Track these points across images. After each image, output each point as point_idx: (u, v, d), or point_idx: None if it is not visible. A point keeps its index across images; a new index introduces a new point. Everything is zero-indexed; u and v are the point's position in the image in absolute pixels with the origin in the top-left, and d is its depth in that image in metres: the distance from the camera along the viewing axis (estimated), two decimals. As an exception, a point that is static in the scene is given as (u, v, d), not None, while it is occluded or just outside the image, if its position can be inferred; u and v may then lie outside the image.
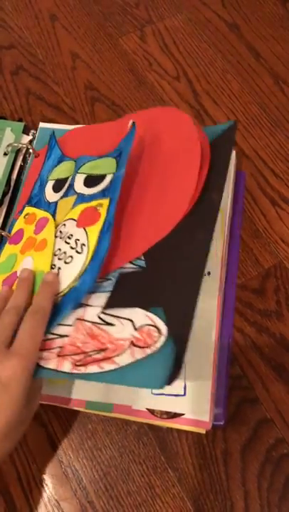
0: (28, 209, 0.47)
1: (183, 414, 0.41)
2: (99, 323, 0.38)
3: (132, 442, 0.43)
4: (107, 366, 0.36)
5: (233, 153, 0.52)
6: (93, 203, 0.42)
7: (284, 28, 0.64)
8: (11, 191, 0.51)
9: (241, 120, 0.57)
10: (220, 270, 0.45)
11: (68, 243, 0.41)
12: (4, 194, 0.51)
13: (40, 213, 0.46)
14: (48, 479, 0.42)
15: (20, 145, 0.52)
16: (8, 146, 0.52)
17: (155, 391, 0.41)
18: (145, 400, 0.41)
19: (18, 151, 0.53)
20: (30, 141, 0.54)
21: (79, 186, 0.44)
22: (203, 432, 0.41)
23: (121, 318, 0.38)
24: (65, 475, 0.42)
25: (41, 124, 0.55)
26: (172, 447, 0.42)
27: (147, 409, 0.41)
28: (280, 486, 0.41)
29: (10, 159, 0.52)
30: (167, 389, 0.41)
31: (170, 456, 0.42)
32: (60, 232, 0.43)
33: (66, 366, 0.37)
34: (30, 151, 0.52)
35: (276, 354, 0.45)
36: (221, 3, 0.66)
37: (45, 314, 0.38)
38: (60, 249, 0.42)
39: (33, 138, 0.54)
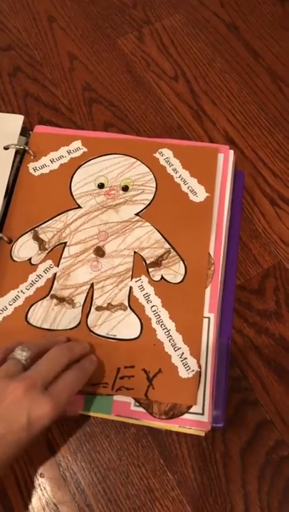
0: None
1: (182, 414, 0.40)
2: None
3: (131, 445, 0.42)
4: None
5: (232, 153, 0.51)
6: None
7: (282, 28, 0.63)
8: (8, 193, 0.51)
9: (240, 120, 0.57)
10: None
11: None
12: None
13: None
14: (46, 482, 0.41)
15: (18, 147, 0.52)
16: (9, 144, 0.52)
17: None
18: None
19: (15, 153, 0.52)
20: (27, 143, 0.53)
21: None
22: (203, 434, 0.41)
23: None
24: (63, 478, 0.41)
25: (37, 128, 0.55)
26: (171, 450, 0.42)
27: (146, 409, 0.41)
28: (280, 489, 0.40)
29: (10, 156, 0.51)
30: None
31: (169, 458, 0.42)
32: None
33: None
34: (30, 152, 0.52)
35: (276, 355, 0.45)
36: (219, 2, 0.66)
37: (87, 376, 0.39)
38: None
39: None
